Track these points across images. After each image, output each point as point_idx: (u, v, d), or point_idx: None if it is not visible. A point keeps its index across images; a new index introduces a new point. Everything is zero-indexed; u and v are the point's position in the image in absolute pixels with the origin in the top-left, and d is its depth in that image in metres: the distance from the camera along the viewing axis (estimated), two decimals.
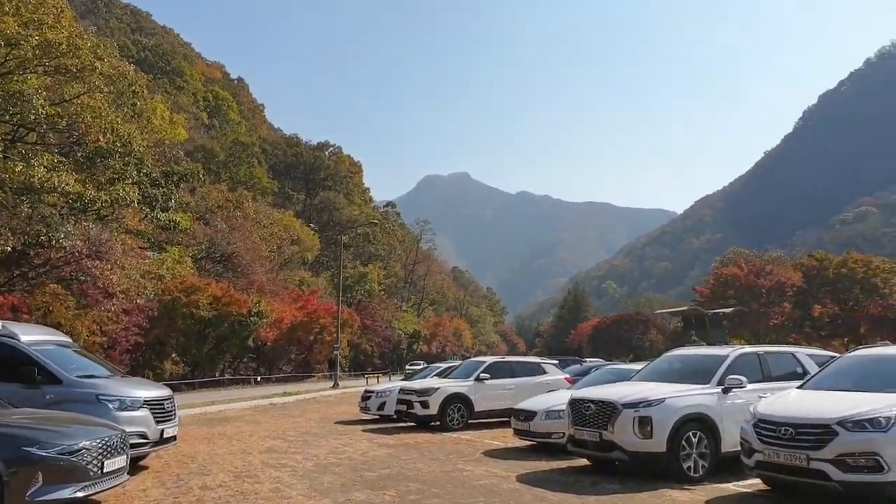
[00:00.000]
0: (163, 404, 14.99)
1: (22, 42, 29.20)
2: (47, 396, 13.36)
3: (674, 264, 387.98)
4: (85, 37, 33.14)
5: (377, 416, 27.36)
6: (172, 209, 50.59)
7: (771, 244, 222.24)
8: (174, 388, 44.66)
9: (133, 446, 12.49)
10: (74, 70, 31.61)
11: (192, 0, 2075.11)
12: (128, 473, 11.08)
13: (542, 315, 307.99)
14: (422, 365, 72.78)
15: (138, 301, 42.08)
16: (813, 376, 13.06)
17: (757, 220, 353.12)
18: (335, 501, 11.65)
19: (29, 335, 14.70)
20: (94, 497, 10.21)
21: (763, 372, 14.69)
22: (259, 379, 68.15)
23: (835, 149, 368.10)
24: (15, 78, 30.61)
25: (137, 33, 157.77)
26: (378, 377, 74.55)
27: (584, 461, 15.37)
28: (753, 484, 12.53)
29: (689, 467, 13.08)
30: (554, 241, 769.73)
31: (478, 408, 23.78)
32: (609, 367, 23.77)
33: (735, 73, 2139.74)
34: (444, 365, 34.90)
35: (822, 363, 14.51)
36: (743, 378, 13.71)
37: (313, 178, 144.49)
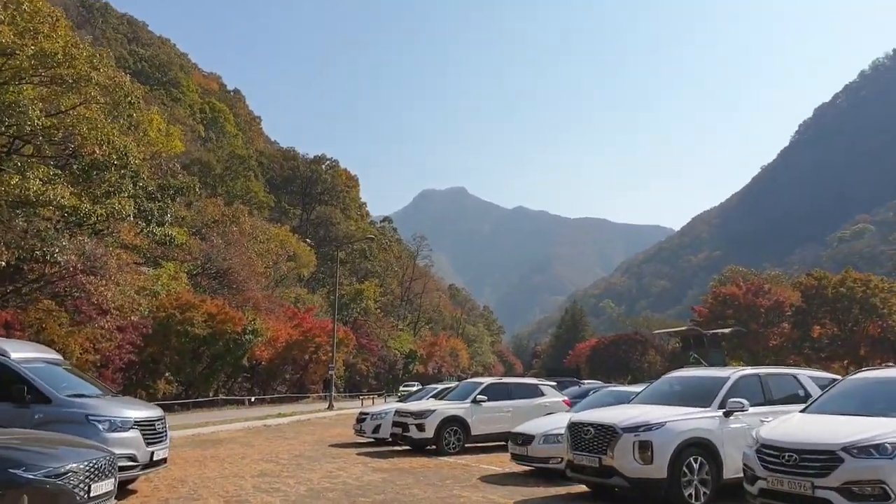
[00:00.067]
0: (154, 425, 14.73)
1: (17, 52, 29.05)
2: (36, 416, 13.20)
3: (672, 282, 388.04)
4: (81, 46, 32.91)
5: (372, 439, 27.11)
6: (168, 223, 50.42)
7: (768, 261, 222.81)
8: (167, 408, 44.46)
9: (122, 469, 12.28)
10: (70, 80, 31.39)
11: (189, 10, 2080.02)
12: (116, 498, 10.82)
13: (540, 334, 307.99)
14: (416, 386, 72.57)
15: (132, 318, 41.84)
16: (816, 399, 12.83)
17: (754, 237, 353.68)
18: None
19: (19, 352, 14.44)
20: None
21: (765, 394, 14.49)
22: (253, 399, 67.78)
23: (830, 163, 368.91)
24: (10, 88, 30.42)
25: (134, 44, 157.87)
26: (373, 398, 74.26)
27: (583, 487, 15.16)
28: None
29: (690, 494, 12.81)
30: (551, 257, 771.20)
31: (475, 431, 23.53)
32: (608, 388, 23.57)
33: (730, 87, 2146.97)
34: (440, 386, 34.57)
35: (824, 386, 14.37)
36: (744, 401, 13.49)
37: (310, 192, 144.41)
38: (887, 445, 9.74)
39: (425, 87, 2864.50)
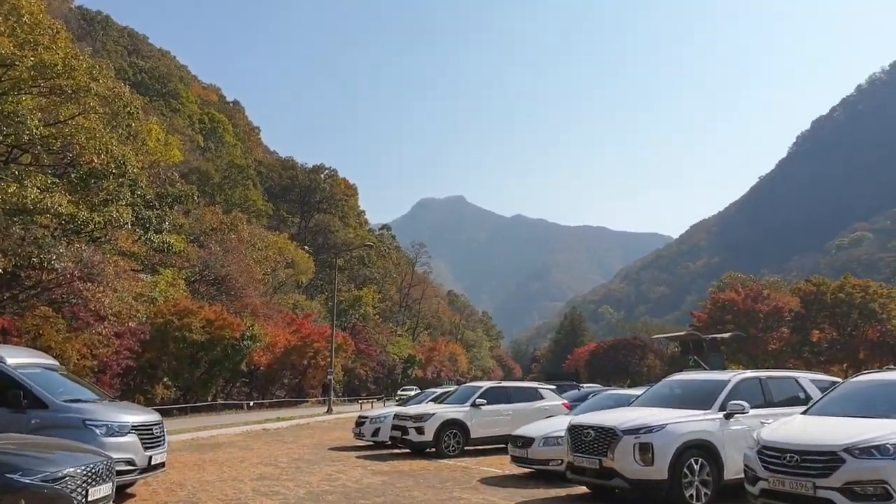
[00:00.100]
0: (151, 430, 14.69)
1: (17, 63, 29.22)
2: (33, 421, 13.16)
3: (670, 289, 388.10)
4: (80, 58, 33.04)
5: (371, 443, 27.10)
6: (166, 231, 50.41)
7: (767, 269, 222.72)
8: (166, 413, 44.48)
9: (120, 473, 12.23)
10: (69, 91, 31.60)
11: (189, 23, 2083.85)
12: (114, 502, 10.77)
13: (539, 339, 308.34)
14: (414, 390, 72.51)
15: (130, 324, 41.76)
16: (817, 402, 12.81)
17: (752, 245, 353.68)
18: None
19: (15, 358, 14.45)
20: None
21: (765, 397, 14.51)
22: (252, 404, 67.80)
23: (828, 173, 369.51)
24: (10, 98, 30.53)
25: (134, 56, 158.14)
26: (372, 403, 74.25)
27: (583, 489, 15.17)
28: None
29: (691, 495, 12.80)
30: (549, 265, 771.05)
31: (474, 434, 23.53)
32: (608, 392, 23.52)
33: (728, 98, 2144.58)
34: (439, 390, 34.53)
35: (825, 388, 14.39)
36: (745, 403, 13.47)
37: (308, 200, 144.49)
38: (889, 446, 9.72)
39: (423, 98, 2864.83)
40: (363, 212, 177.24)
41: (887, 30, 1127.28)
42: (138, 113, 42.42)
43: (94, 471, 9.80)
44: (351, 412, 50.12)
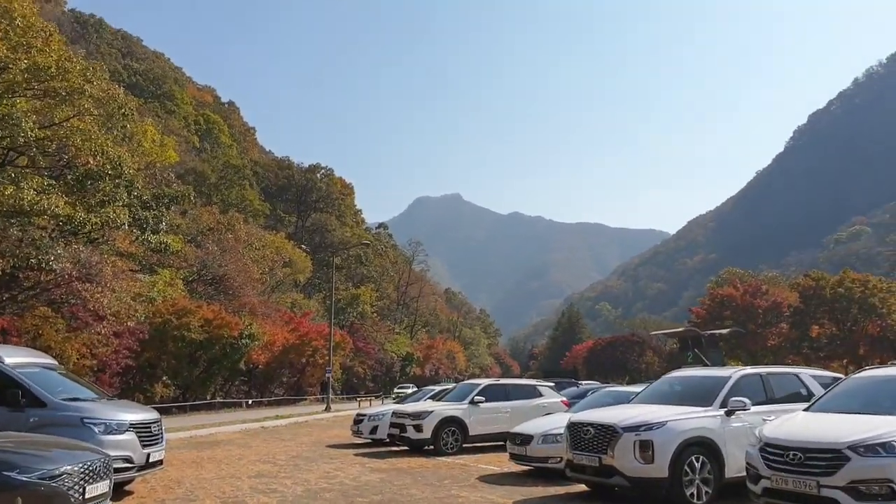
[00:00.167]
0: (149, 428, 14.74)
1: (10, 66, 29.30)
2: (31, 419, 13.18)
3: (668, 285, 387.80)
4: (74, 60, 33.06)
5: (370, 440, 27.10)
6: (163, 231, 50.38)
7: (765, 264, 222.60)
8: (165, 411, 44.54)
9: (118, 471, 12.41)
10: (64, 93, 31.67)
11: (183, 25, 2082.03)
12: (112, 499, 10.76)
13: (537, 337, 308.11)
14: (411, 388, 72.50)
15: (129, 324, 41.87)
16: (819, 398, 12.66)
17: (750, 241, 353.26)
18: None
19: (13, 357, 14.48)
20: None
21: (766, 393, 14.36)
22: (250, 402, 67.81)
23: (826, 168, 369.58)
24: (4, 101, 30.54)
25: (128, 58, 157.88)
26: (370, 400, 74.27)
27: (582, 487, 15.08)
28: None
29: (692, 494, 12.69)
30: (547, 262, 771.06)
31: (472, 431, 23.52)
32: (607, 389, 23.47)
33: (725, 92, 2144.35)
34: (437, 388, 34.52)
35: (827, 384, 14.28)
36: (746, 400, 13.32)
37: (305, 200, 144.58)
38: (895, 444, 9.62)
39: (420, 96, 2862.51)
40: (360, 211, 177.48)
41: (884, 23, 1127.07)
42: (133, 114, 42.41)
43: (91, 468, 9.79)
44: (349, 410, 50.13)
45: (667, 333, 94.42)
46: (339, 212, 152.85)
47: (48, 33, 32.46)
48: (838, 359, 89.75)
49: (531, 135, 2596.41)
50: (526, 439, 17.63)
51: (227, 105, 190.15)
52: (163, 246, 48.24)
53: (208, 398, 61.52)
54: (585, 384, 38.63)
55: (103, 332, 39.13)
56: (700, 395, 14.14)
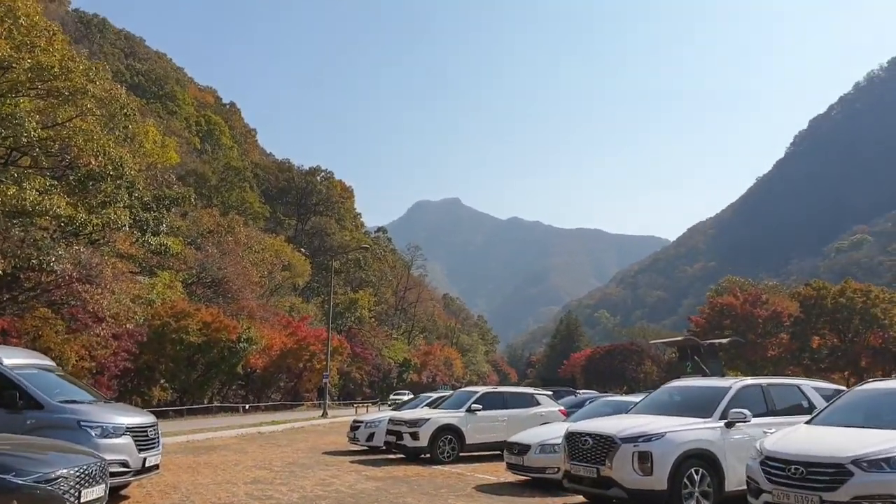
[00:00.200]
0: (146, 432, 14.72)
1: (14, 65, 29.39)
2: (28, 422, 13.20)
3: (667, 293, 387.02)
4: (77, 60, 33.10)
5: (366, 447, 27.05)
6: (163, 233, 50.42)
7: (765, 272, 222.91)
8: (162, 415, 44.69)
9: (114, 475, 12.38)
10: (67, 93, 31.76)
11: (185, 26, 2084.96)
12: (107, 503, 10.70)
13: (535, 344, 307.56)
14: (407, 395, 72.49)
15: (128, 326, 41.98)
16: (822, 411, 12.58)
17: (750, 248, 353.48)
18: None
19: (11, 358, 14.48)
20: None
21: (767, 405, 14.23)
22: (248, 407, 67.87)
23: (826, 174, 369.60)
24: (7, 101, 30.67)
25: (131, 58, 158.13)
26: (367, 407, 74.25)
27: (580, 498, 14.96)
28: None
29: None
30: (546, 268, 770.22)
31: (469, 440, 23.44)
32: (605, 398, 23.40)
33: (726, 99, 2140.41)
34: (434, 395, 34.47)
35: (829, 396, 14.23)
36: (747, 412, 13.21)
37: (305, 203, 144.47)
38: None
39: (420, 100, 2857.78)
40: (359, 214, 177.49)
41: (886, 27, 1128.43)
42: (135, 115, 42.61)
43: (87, 472, 9.76)
44: (346, 416, 50.14)
45: (666, 342, 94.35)
46: (339, 215, 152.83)
47: (51, 33, 32.56)
48: (839, 370, 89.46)
49: (531, 137, 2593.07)
50: (523, 449, 17.56)
51: (228, 106, 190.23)
52: (163, 248, 48.28)
53: (206, 402, 61.56)
54: (583, 393, 38.61)
55: (102, 334, 39.22)
56: (700, 406, 14.02)
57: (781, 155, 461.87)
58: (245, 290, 70.84)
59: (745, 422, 13.19)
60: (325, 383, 64.45)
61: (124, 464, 13.69)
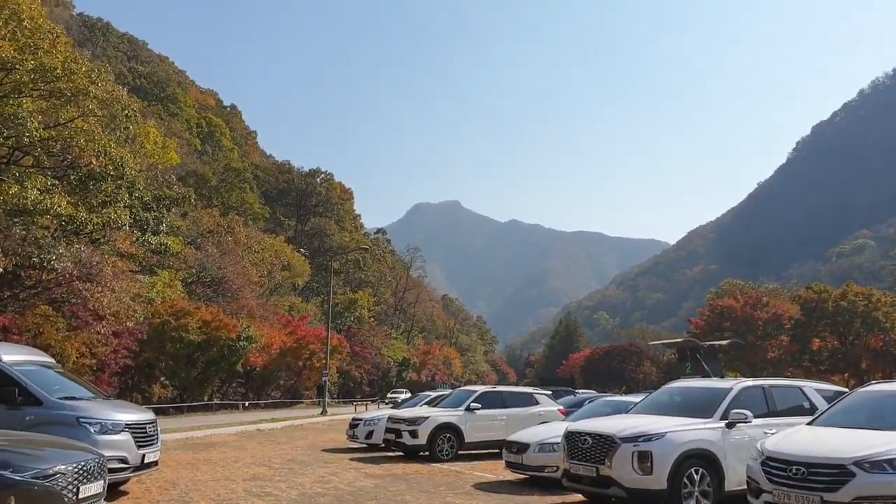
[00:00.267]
0: (145, 428, 14.77)
1: (18, 66, 29.45)
2: (27, 418, 13.21)
3: (667, 295, 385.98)
4: (79, 61, 33.26)
5: (365, 445, 27.07)
6: (163, 233, 50.53)
7: (766, 276, 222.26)
8: (162, 412, 44.83)
9: (113, 471, 12.43)
10: (69, 94, 31.88)
11: (187, 29, 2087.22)
12: (106, 500, 10.71)
13: (534, 345, 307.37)
14: (404, 393, 72.54)
15: (128, 324, 42.04)
16: (824, 412, 12.56)
17: (751, 252, 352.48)
18: None
19: (11, 355, 14.48)
20: None
21: (769, 406, 14.20)
22: (247, 404, 67.90)
23: (829, 180, 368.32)
24: (10, 101, 30.74)
25: (134, 61, 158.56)
26: (367, 405, 74.29)
27: (579, 497, 14.98)
28: None
29: None
30: (545, 270, 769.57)
31: (468, 438, 23.47)
32: (605, 398, 23.37)
33: (729, 104, 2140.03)
34: (433, 393, 34.49)
35: (830, 398, 14.23)
36: (748, 412, 13.19)
37: (305, 204, 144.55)
38: None
39: (419, 103, 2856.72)
40: (359, 216, 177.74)
41: (891, 34, 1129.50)
42: (136, 116, 42.80)
43: (85, 468, 9.74)
44: (345, 414, 50.21)
45: (665, 344, 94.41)
46: (339, 216, 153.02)
47: (55, 35, 32.73)
48: (839, 372, 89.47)
49: (531, 139, 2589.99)
50: (522, 447, 17.57)
51: (228, 108, 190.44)
52: (163, 247, 48.39)
53: (205, 399, 61.66)
54: (582, 393, 38.59)
55: (103, 331, 39.28)
56: (700, 406, 14.00)
57: (783, 160, 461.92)
58: (245, 289, 70.99)
59: (746, 423, 13.18)
60: (325, 381, 64.46)
61: (123, 460, 13.73)
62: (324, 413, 56.74)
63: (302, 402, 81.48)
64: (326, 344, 66.81)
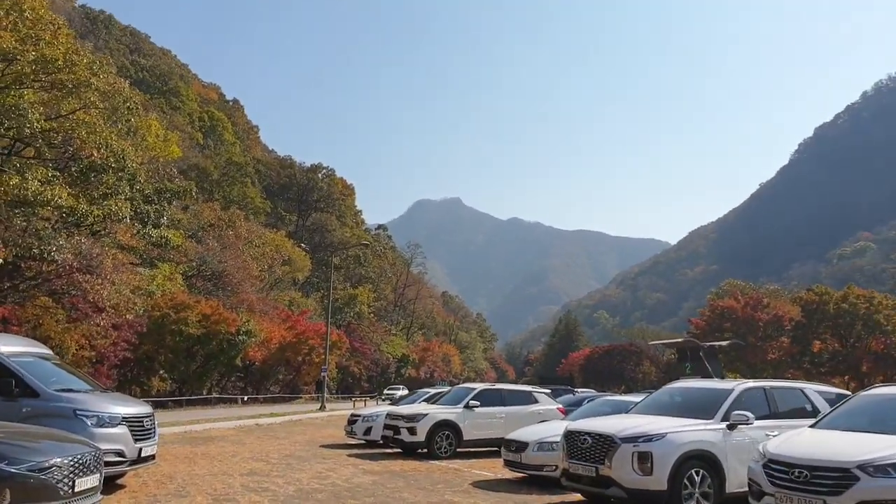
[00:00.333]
0: (142, 422, 14.75)
1: (19, 57, 29.47)
2: (24, 409, 13.21)
3: (667, 295, 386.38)
4: (81, 53, 33.27)
5: (363, 441, 26.98)
6: (164, 226, 50.63)
7: (766, 277, 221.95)
8: (161, 405, 44.87)
9: (110, 464, 12.43)
10: (70, 85, 31.97)
11: (190, 23, 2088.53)
12: (103, 493, 10.67)
13: (533, 343, 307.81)
14: (402, 390, 72.55)
15: (128, 316, 42.08)
16: (827, 415, 12.47)
17: (752, 253, 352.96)
18: None
19: (8, 346, 14.49)
20: None
21: (770, 408, 14.11)
22: (246, 399, 67.99)
23: (831, 182, 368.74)
24: (11, 92, 30.76)
25: (136, 54, 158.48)
26: (365, 401, 74.27)
27: (578, 496, 14.90)
28: None
29: None
30: (545, 268, 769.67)
31: (467, 436, 23.39)
32: (605, 398, 23.32)
33: (730, 104, 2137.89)
34: (432, 390, 34.45)
35: (832, 400, 14.17)
36: (749, 414, 13.11)
37: (306, 199, 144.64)
38: None
39: (421, 99, 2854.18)
40: (360, 212, 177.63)
41: (894, 36, 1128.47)
42: (137, 108, 42.81)
43: (81, 461, 9.70)
44: (344, 410, 50.18)
45: (665, 344, 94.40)
46: (340, 212, 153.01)
47: (56, 26, 32.74)
48: (840, 375, 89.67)
49: (532, 138, 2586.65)
50: (521, 446, 17.50)
51: (231, 103, 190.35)
52: (163, 240, 48.45)
53: (204, 393, 61.61)
54: (581, 392, 38.58)
55: (102, 323, 39.27)
56: (701, 407, 13.93)
57: (786, 162, 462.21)
58: (245, 283, 70.97)
59: (747, 424, 13.11)
60: (324, 377, 64.47)
61: (120, 453, 13.70)
62: (322, 408, 56.77)
63: (301, 398, 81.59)
64: (326, 339, 66.83)
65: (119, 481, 14.95)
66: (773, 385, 15.09)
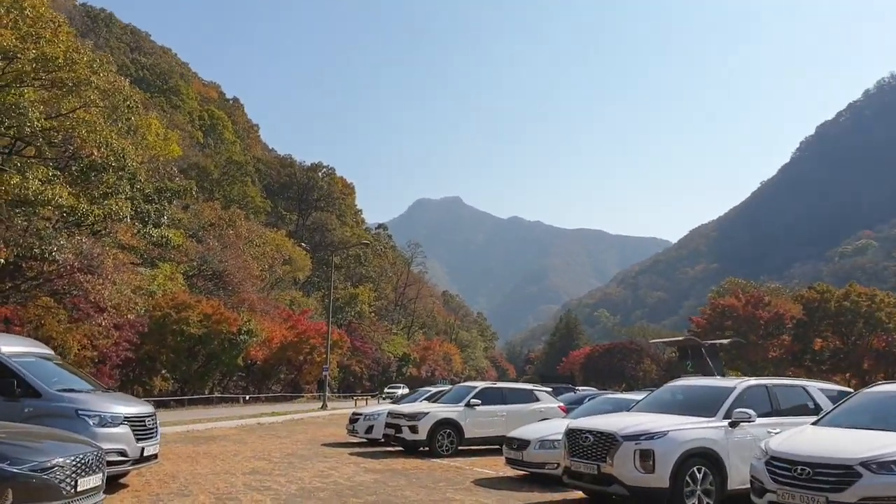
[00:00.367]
0: (144, 421, 14.73)
1: (19, 55, 29.45)
2: (26, 410, 13.20)
3: (668, 294, 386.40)
4: (81, 51, 33.21)
5: (365, 440, 26.97)
6: (165, 225, 50.70)
7: (767, 275, 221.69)
8: (163, 405, 44.92)
9: (112, 464, 12.40)
10: (71, 84, 31.97)
11: (190, 21, 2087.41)
12: (106, 492, 10.64)
13: (534, 342, 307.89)
14: (402, 388, 72.55)
15: (129, 316, 42.21)
16: (829, 412, 12.44)
17: (753, 251, 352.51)
18: None
19: (9, 346, 14.48)
20: None
21: (772, 405, 14.05)
22: (248, 398, 68.00)
23: (832, 180, 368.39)
24: (12, 91, 30.79)
25: (136, 52, 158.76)
26: (367, 399, 74.30)
27: (580, 494, 14.88)
28: None
29: None
30: (546, 267, 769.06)
31: (468, 434, 23.38)
32: (606, 396, 23.34)
33: (731, 103, 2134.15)
34: (433, 389, 34.46)
35: (834, 398, 14.13)
36: (751, 412, 13.05)
37: (306, 198, 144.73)
38: None
39: (422, 98, 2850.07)
40: (360, 211, 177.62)
41: None
42: (138, 107, 42.77)
43: (84, 461, 9.66)
44: (346, 409, 50.17)
45: (666, 342, 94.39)
46: (340, 211, 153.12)
47: (57, 24, 32.76)
48: (841, 372, 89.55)
49: (532, 137, 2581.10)
50: (523, 444, 17.48)
51: (231, 101, 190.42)
52: (164, 240, 48.52)
53: (206, 393, 61.75)
54: (582, 390, 38.60)
55: (104, 323, 39.41)
56: (703, 405, 13.90)
57: (787, 160, 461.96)
58: (246, 283, 71.02)
59: (749, 422, 13.06)
60: (325, 376, 64.50)
61: (122, 453, 13.70)
62: (324, 407, 56.76)
63: (302, 397, 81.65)
64: (327, 338, 66.89)
65: (122, 480, 14.95)
66: (775, 383, 15.03)
